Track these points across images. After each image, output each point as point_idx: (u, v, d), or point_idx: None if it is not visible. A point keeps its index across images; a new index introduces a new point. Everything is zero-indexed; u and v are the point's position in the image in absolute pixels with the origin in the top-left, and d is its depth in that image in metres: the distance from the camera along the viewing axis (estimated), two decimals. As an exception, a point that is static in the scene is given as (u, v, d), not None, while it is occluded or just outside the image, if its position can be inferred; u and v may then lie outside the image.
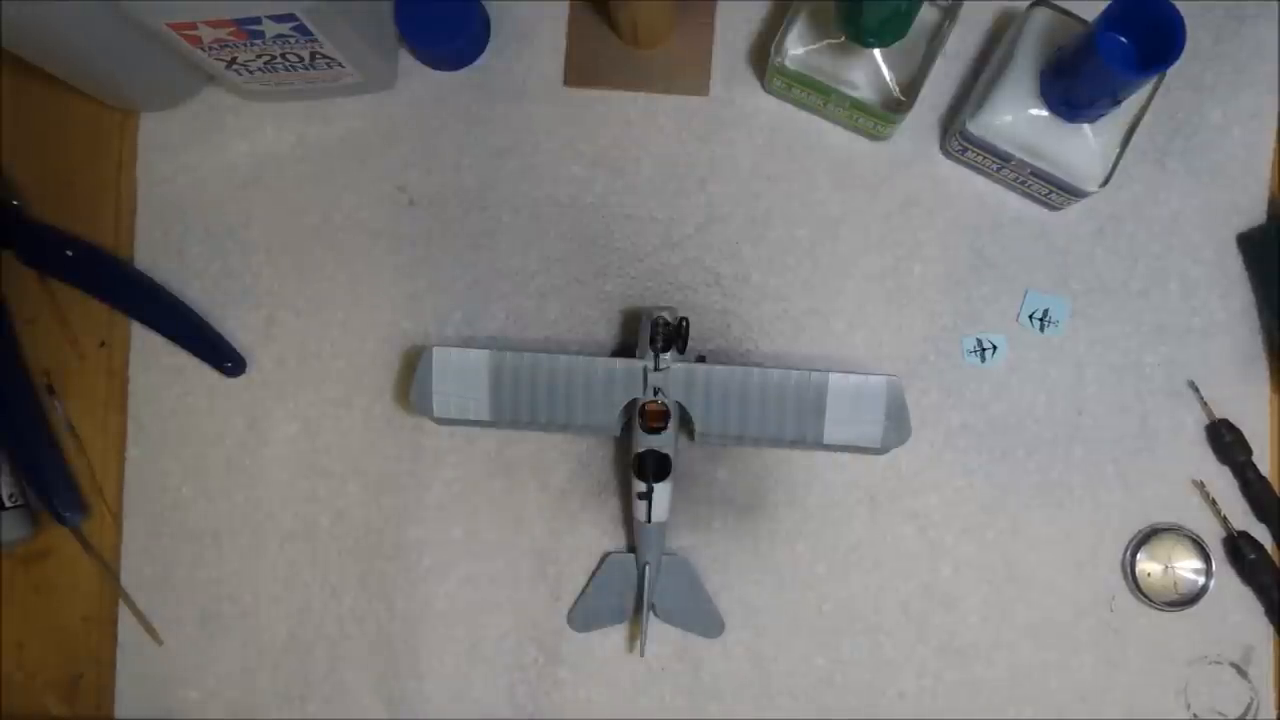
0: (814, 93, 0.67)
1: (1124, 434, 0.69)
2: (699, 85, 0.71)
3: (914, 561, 0.69)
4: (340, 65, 0.65)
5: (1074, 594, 0.69)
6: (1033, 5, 0.63)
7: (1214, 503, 0.68)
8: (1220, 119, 0.69)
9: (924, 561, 0.69)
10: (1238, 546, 0.67)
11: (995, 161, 0.66)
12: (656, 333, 0.64)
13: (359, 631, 0.71)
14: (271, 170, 0.72)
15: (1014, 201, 0.70)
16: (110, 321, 0.73)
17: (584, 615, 0.70)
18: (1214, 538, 0.68)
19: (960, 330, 0.70)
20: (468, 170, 0.72)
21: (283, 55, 0.63)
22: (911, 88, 0.65)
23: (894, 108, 0.65)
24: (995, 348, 0.69)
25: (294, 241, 0.72)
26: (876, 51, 0.64)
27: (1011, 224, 0.70)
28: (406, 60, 0.72)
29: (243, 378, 0.72)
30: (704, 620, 0.69)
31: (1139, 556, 0.68)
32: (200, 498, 0.72)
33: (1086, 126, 0.63)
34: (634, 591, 0.68)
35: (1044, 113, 0.63)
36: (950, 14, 0.64)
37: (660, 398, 0.65)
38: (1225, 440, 0.68)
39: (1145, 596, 0.68)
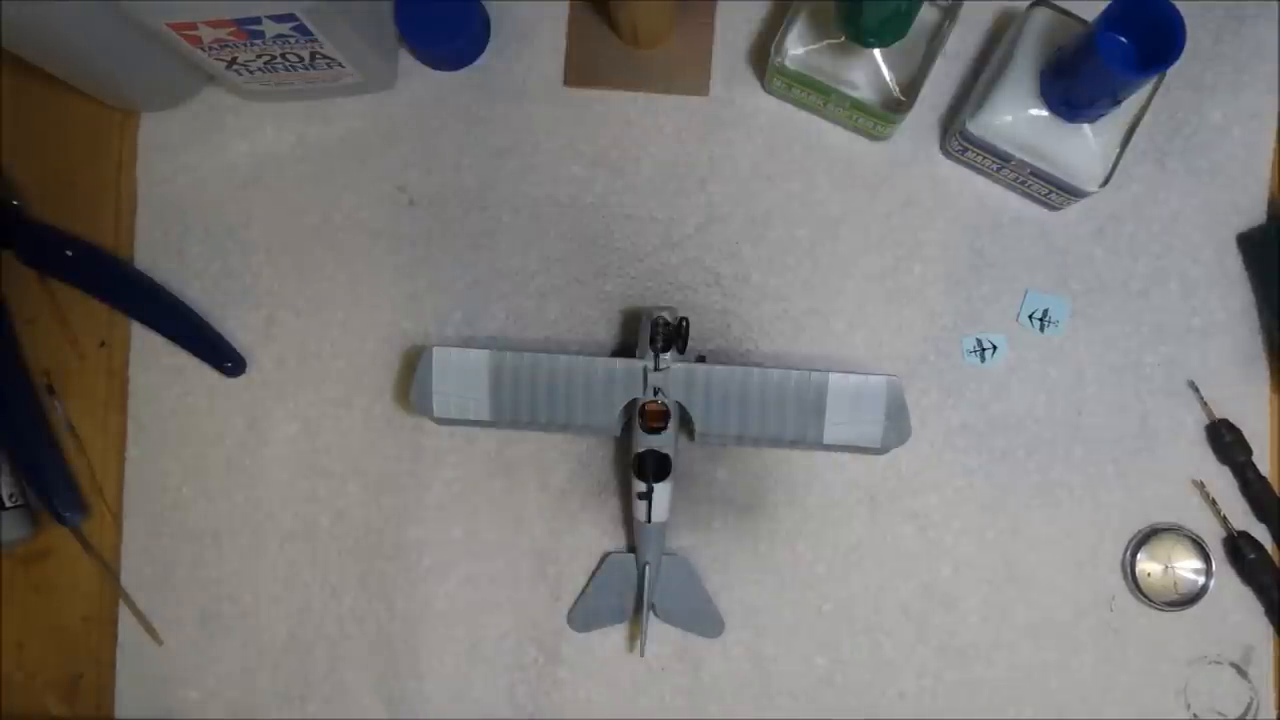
0: (814, 93, 0.67)
1: (1124, 434, 0.69)
2: (699, 85, 0.71)
3: (914, 561, 0.69)
4: (340, 65, 0.65)
5: (1074, 594, 0.69)
6: (1033, 5, 0.63)
7: (1214, 503, 0.68)
8: (1220, 119, 0.69)
9: (924, 561, 0.69)
10: (1238, 546, 0.67)
11: (995, 161, 0.66)
12: (656, 333, 0.64)
13: (359, 631, 0.71)
14: (271, 170, 0.72)
15: (1014, 201, 0.70)
16: (110, 321, 0.73)
17: (584, 615, 0.70)
18: (1214, 538, 0.68)
19: (960, 330, 0.70)
20: (468, 170, 0.72)
21: (283, 55, 0.63)
22: (911, 88, 0.65)
23: (894, 108, 0.65)
24: (995, 348, 0.69)
25: (294, 241, 0.72)
26: (876, 51, 0.64)
27: (1011, 224, 0.70)
28: (406, 60, 0.72)
29: (243, 378, 0.72)
30: (704, 620, 0.69)
31: (1139, 556, 0.68)
32: (200, 498, 0.72)
33: (1086, 126, 0.63)
34: (634, 591, 0.68)
35: (1044, 113, 0.63)
36: (950, 14, 0.64)
37: (660, 398, 0.65)
38: (1225, 440, 0.68)
39: (1145, 596, 0.68)
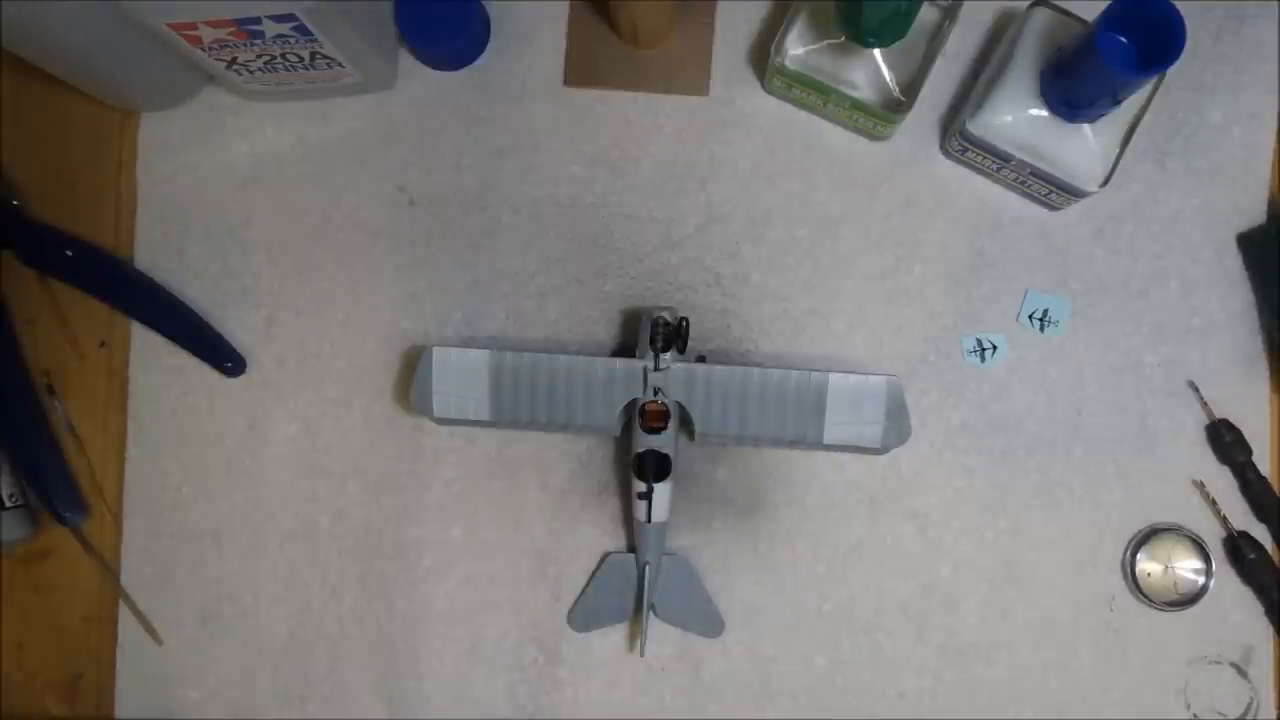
0: (814, 93, 0.67)
1: (1124, 434, 0.69)
2: (699, 85, 0.71)
3: (914, 561, 0.69)
4: (340, 65, 0.65)
5: (1074, 594, 0.69)
6: (1033, 5, 0.63)
7: (1214, 503, 0.68)
8: (1220, 119, 0.69)
9: (924, 561, 0.69)
10: (1238, 546, 0.67)
11: (995, 161, 0.66)
12: (656, 333, 0.64)
13: (359, 631, 0.71)
14: (271, 170, 0.72)
15: (1014, 201, 0.70)
16: (110, 321, 0.73)
17: (584, 615, 0.70)
18: (1214, 538, 0.68)
19: (960, 330, 0.70)
20: (468, 170, 0.72)
21: (283, 55, 0.63)
22: (911, 88, 0.65)
23: (894, 108, 0.65)
24: (995, 348, 0.69)
25: (294, 241, 0.72)
26: (876, 51, 0.64)
27: (1011, 224, 0.70)
28: (406, 60, 0.72)
29: (243, 378, 0.72)
30: (704, 620, 0.69)
31: (1139, 556, 0.68)
32: (200, 498, 0.72)
33: (1086, 126, 0.63)
34: (634, 591, 0.68)
35: (1044, 113, 0.63)
36: (950, 14, 0.64)
37: (660, 398, 0.65)
38: (1225, 440, 0.68)
39: (1145, 596, 0.68)
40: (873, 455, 0.67)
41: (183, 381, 0.72)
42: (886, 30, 0.60)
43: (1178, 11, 0.55)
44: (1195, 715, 0.68)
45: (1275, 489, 0.68)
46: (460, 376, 0.66)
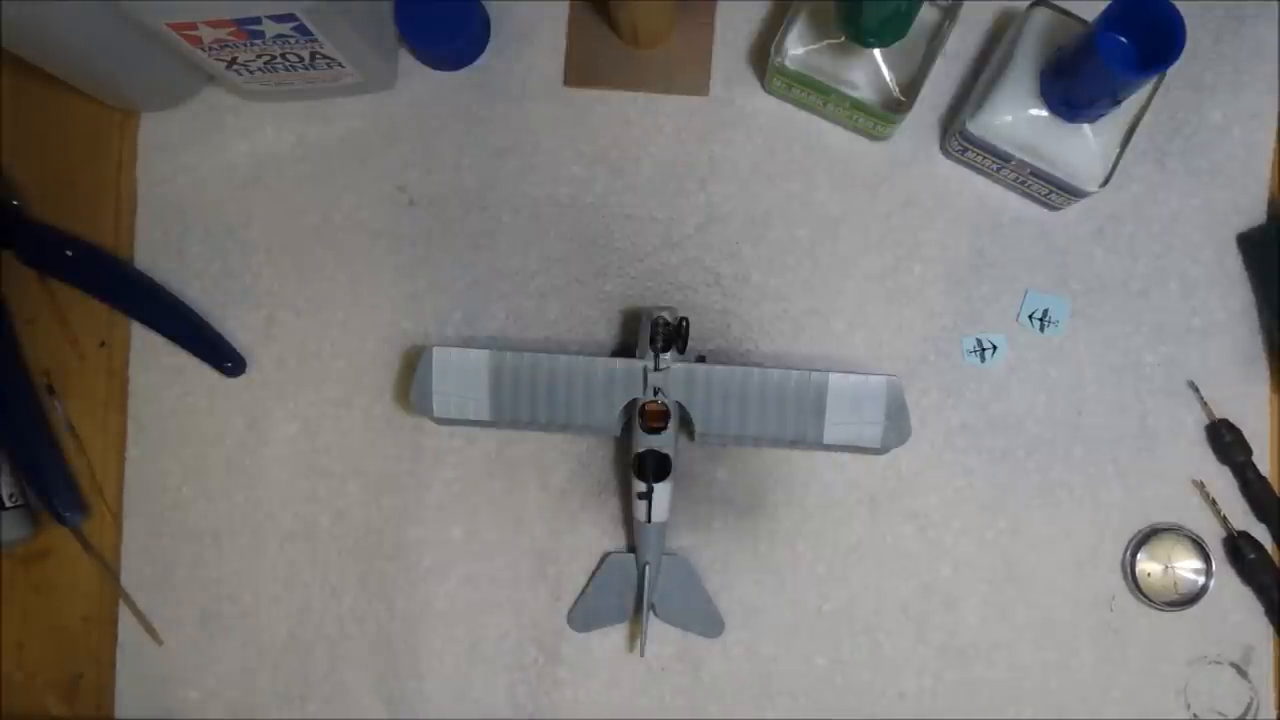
0: (814, 93, 0.67)
1: (1124, 434, 0.69)
2: (699, 85, 0.71)
3: (914, 561, 0.69)
4: (340, 65, 0.65)
5: (1074, 594, 0.69)
6: (1033, 5, 0.63)
7: (1214, 503, 0.68)
8: (1220, 119, 0.69)
9: (924, 561, 0.69)
10: (1238, 546, 0.67)
11: (995, 161, 0.66)
12: (656, 333, 0.64)
13: (359, 631, 0.71)
14: (271, 170, 0.72)
15: (1014, 201, 0.70)
16: (110, 321, 0.73)
17: (584, 615, 0.70)
18: (1214, 538, 0.68)
19: (960, 330, 0.70)
20: (468, 170, 0.72)
21: (283, 55, 0.63)
22: (911, 88, 0.65)
23: (894, 108, 0.65)
24: (995, 348, 0.69)
25: (294, 241, 0.72)
26: (876, 51, 0.64)
27: (1011, 224, 0.70)
28: (406, 60, 0.72)
29: (243, 378, 0.72)
30: (704, 620, 0.69)
31: (1139, 556, 0.68)
32: (200, 498, 0.72)
33: (1086, 126, 0.63)
34: (634, 591, 0.68)
35: (1044, 113, 0.63)
36: (950, 14, 0.64)
37: (660, 398, 0.65)
38: (1225, 440, 0.68)
39: (1145, 596, 0.68)
40: (873, 455, 0.67)
41: (183, 381, 0.72)
42: (886, 30, 0.60)
43: (1178, 11, 0.55)
44: (1195, 715, 0.68)
45: (1275, 489, 0.68)
46: (460, 376, 0.66)
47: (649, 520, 0.66)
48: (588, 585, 0.70)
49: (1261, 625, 0.68)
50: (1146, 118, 0.63)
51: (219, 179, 0.72)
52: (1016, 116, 0.63)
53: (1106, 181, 0.63)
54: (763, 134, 0.71)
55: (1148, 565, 0.68)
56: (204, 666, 0.71)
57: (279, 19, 0.58)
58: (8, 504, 0.70)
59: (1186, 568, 0.68)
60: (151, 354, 0.72)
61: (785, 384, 0.64)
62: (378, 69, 0.69)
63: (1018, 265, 0.69)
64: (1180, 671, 0.68)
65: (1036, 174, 0.64)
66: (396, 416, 0.71)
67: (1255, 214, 0.69)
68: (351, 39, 0.63)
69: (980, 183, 0.70)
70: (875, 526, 0.69)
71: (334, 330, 0.72)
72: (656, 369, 0.64)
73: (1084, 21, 0.61)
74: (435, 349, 0.66)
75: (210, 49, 0.62)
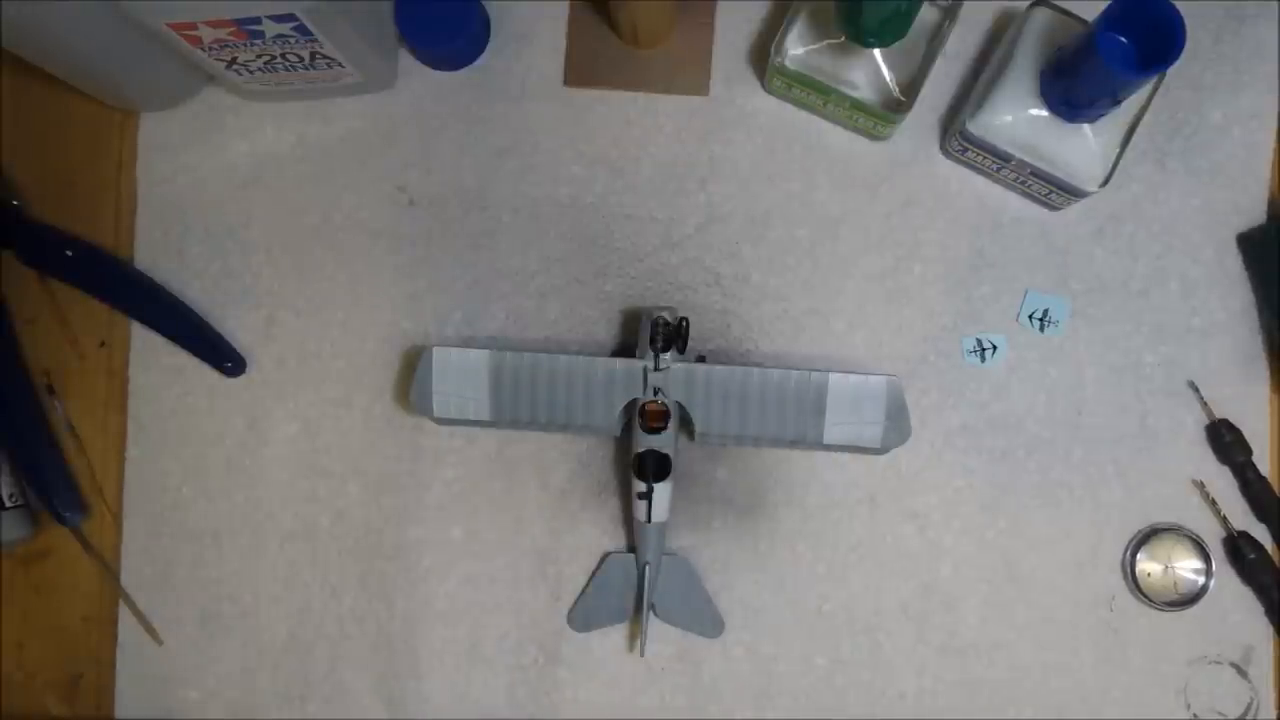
0: (814, 93, 0.67)
1: (1124, 434, 0.69)
2: (699, 85, 0.71)
3: (914, 561, 0.69)
4: (340, 65, 0.65)
5: (1074, 594, 0.69)
6: (1033, 5, 0.63)
7: (1214, 503, 0.68)
8: (1220, 119, 0.69)
9: (924, 561, 0.69)
10: (1238, 546, 0.67)
11: (995, 161, 0.66)
12: (656, 333, 0.64)
13: (359, 631, 0.71)
14: (271, 170, 0.72)
15: (1014, 201, 0.70)
16: (110, 321, 0.73)
17: (584, 615, 0.70)
18: (1214, 538, 0.68)
19: (960, 330, 0.70)
20: (468, 170, 0.72)
21: (283, 55, 0.63)
22: (911, 88, 0.65)
23: (894, 108, 0.65)
24: (995, 348, 0.69)
25: (294, 241, 0.72)
26: (876, 51, 0.64)
27: (1011, 224, 0.70)
28: (406, 60, 0.72)
29: (243, 378, 0.72)
30: (704, 620, 0.69)
31: (1139, 556, 0.68)
32: (200, 498, 0.72)
33: (1086, 126, 0.63)
34: (634, 591, 0.68)
35: (1044, 113, 0.63)
36: (950, 14, 0.64)
37: (660, 398, 0.65)
38: (1225, 440, 0.68)
39: (1145, 596, 0.68)
40: (873, 455, 0.67)
41: (183, 381, 0.72)
42: (886, 30, 0.60)
43: (1178, 11, 0.55)
44: (1195, 715, 0.68)
45: (1275, 489, 0.68)
46: (460, 376, 0.66)
47: (649, 520, 0.66)
48: (588, 585, 0.70)
49: (1261, 625, 0.68)
50: (1146, 118, 0.63)
51: (219, 179, 0.72)
52: (1016, 116, 0.63)
53: (1106, 181, 0.63)
54: (763, 134, 0.71)
55: (1148, 565, 0.68)
56: (204, 666, 0.71)
57: (279, 19, 0.58)
58: (8, 504, 0.70)
59: (1186, 568, 0.68)
60: (151, 354, 0.72)
61: (785, 384, 0.64)
62: (378, 69, 0.69)
63: (1018, 265, 0.69)
64: (1180, 671, 0.68)
65: (1036, 174, 0.64)
66: (396, 416, 0.71)
67: (1255, 214, 0.69)
68: (351, 39, 0.63)
69: (980, 183, 0.70)
70: (875, 526, 0.69)
71: (334, 330, 0.72)
72: (656, 369, 0.64)
73: (1084, 21, 0.61)
74: (435, 349, 0.66)
75: (210, 49, 0.62)
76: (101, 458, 0.72)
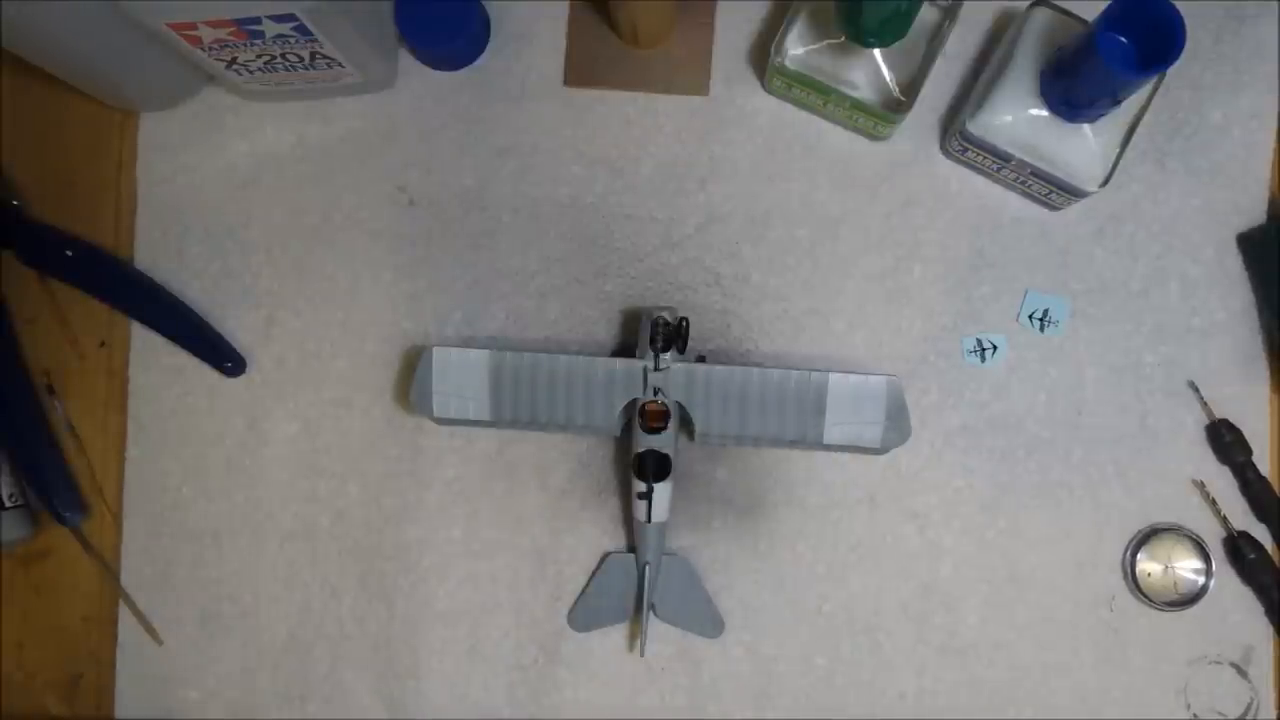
0: (814, 93, 0.67)
1: (1124, 434, 0.69)
2: (699, 85, 0.71)
3: (914, 561, 0.69)
4: (340, 65, 0.65)
5: (1074, 594, 0.69)
6: (1033, 5, 0.63)
7: (1214, 503, 0.68)
8: (1220, 119, 0.69)
9: (924, 561, 0.69)
10: (1238, 546, 0.67)
11: (995, 161, 0.66)
12: (656, 333, 0.64)
13: (359, 631, 0.71)
14: (271, 170, 0.72)
15: (1014, 201, 0.70)
16: (110, 321, 0.73)
17: (584, 615, 0.70)
18: (1214, 538, 0.68)
19: (960, 330, 0.70)
20: (468, 170, 0.72)
21: (283, 55, 0.63)
22: (911, 88, 0.65)
23: (894, 108, 0.65)
24: (995, 348, 0.69)
25: (294, 241, 0.72)
26: (876, 51, 0.64)
27: (1011, 224, 0.70)
28: (406, 60, 0.72)
29: (243, 378, 0.72)
30: (704, 620, 0.69)
31: (1139, 556, 0.68)
32: (200, 498, 0.72)
33: (1086, 126, 0.63)
34: (634, 591, 0.68)
35: (1044, 113, 0.63)
36: (950, 14, 0.64)
37: (660, 398, 0.65)
38: (1225, 440, 0.68)
39: (1145, 596, 0.68)
40: (873, 455, 0.67)
41: (183, 381, 0.72)
42: (886, 30, 0.60)
43: (1178, 11, 0.55)
44: (1195, 715, 0.68)
45: (1275, 489, 0.68)
46: (460, 376, 0.66)
47: (649, 520, 0.66)
48: (588, 585, 0.70)
49: (1261, 625, 0.68)
50: (1146, 118, 0.63)
51: (219, 179, 0.72)
52: (1016, 116, 0.63)
53: (1106, 181, 0.63)
54: (763, 134, 0.71)
55: (1148, 565, 0.68)
56: (204, 666, 0.71)
57: (279, 19, 0.58)
58: (8, 504, 0.70)
59: (1186, 568, 0.68)
60: (151, 354, 0.72)
61: (785, 384, 0.64)
62: (378, 69, 0.69)
63: (1018, 265, 0.69)
64: (1180, 671, 0.68)
65: (1036, 174, 0.64)
66: (396, 416, 0.71)
67: (1255, 214, 0.69)
68: (351, 39, 0.63)
69: (980, 183, 0.70)
70: (875, 526, 0.69)
71: (334, 330, 0.72)
72: (656, 369, 0.64)
73: (1084, 21, 0.61)
74: (435, 349, 0.66)
75: (210, 49, 0.62)
76: (101, 458, 0.72)
